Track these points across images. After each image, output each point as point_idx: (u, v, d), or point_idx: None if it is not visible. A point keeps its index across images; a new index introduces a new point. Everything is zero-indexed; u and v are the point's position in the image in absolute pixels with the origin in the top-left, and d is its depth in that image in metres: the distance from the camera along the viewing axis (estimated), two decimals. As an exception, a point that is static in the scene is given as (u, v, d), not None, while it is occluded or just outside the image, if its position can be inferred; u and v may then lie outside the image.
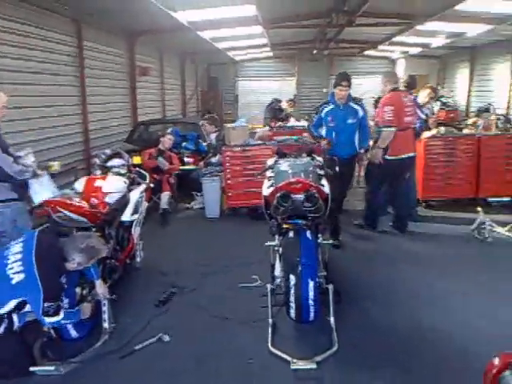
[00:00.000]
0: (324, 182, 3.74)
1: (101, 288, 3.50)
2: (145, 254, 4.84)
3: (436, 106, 12.36)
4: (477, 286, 4.14)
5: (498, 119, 7.88)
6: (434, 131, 6.77)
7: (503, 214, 6.18)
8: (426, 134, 6.50)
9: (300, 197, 3.35)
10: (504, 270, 4.49)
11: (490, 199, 6.67)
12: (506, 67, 15.42)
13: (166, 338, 3.43)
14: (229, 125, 7.45)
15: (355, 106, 5.32)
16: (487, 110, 12.63)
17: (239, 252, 5.18)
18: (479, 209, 5.57)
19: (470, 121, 8.61)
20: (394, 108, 5.24)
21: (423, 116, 6.14)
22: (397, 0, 9.75)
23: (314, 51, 17.17)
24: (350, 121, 5.26)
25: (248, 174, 6.45)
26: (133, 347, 3.31)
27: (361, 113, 5.30)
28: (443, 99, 14.21)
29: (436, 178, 6.61)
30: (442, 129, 6.99)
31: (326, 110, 5.33)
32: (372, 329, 3.48)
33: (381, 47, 16.57)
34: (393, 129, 5.25)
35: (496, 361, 2.26)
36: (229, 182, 6.63)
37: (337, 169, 4.79)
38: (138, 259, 4.76)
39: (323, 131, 5.42)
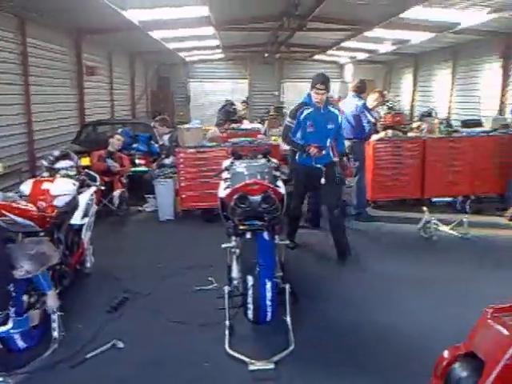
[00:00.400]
0: (280, 183, 3.78)
1: (52, 300, 3.32)
2: (96, 259, 4.68)
3: (383, 110, 12.85)
4: (427, 284, 4.31)
5: (441, 123, 8.27)
6: (381, 134, 7.02)
7: (447, 213, 6.50)
8: (374, 137, 6.73)
9: (257, 198, 3.36)
10: (451, 266, 4.72)
11: (435, 199, 7.00)
12: (447, 73, 16.24)
13: (120, 344, 3.32)
14: (183, 126, 7.36)
15: (335, 111, 4.98)
16: (430, 114, 13.27)
17: (194, 255, 5.12)
18: (425, 208, 5.83)
19: (414, 124, 8.98)
20: None
21: (372, 119, 6.36)
22: (346, 7, 10.03)
23: (266, 54, 17.33)
24: (329, 126, 4.87)
25: (202, 175, 6.41)
26: (84, 355, 3.18)
27: (339, 118, 5.01)
28: (389, 103, 14.75)
29: (384, 179, 6.85)
30: (390, 132, 7.27)
31: (305, 113, 4.81)
32: (328, 327, 3.54)
33: (330, 52, 16.99)
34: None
35: (445, 354, 2.38)
36: (182, 183, 6.55)
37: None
38: (88, 264, 4.59)
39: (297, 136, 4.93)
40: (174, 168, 6.76)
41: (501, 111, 12.60)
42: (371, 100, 6.59)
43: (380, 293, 4.15)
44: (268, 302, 3.18)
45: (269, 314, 3.21)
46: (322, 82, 4.70)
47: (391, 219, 6.43)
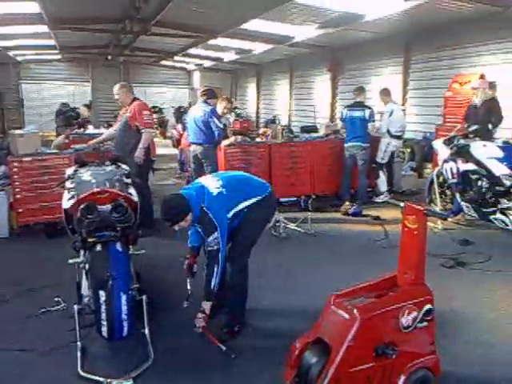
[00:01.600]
0: (132, 190, 3.62)
1: None
2: None
3: (231, 117, 13.34)
4: (275, 276, 4.57)
5: (283, 129, 8.93)
6: (231, 139, 7.27)
7: (293, 211, 7.01)
8: (224, 143, 6.93)
9: (107, 207, 3.17)
10: (298, 259, 5.10)
11: (282, 199, 7.50)
12: (285, 83, 17.61)
13: None
14: (15, 131, 6.58)
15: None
16: (274, 121, 14.25)
17: (38, 274, 4.60)
18: (274, 208, 6.21)
19: (260, 130, 9.54)
20: (150, 112, 6.01)
21: (221, 125, 6.52)
22: (190, 14, 10.16)
23: (109, 57, 16.60)
24: None
25: (42, 186, 5.82)
26: None
27: None
28: (237, 110, 15.43)
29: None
30: (239, 137, 7.57)
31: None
32: (187, 334, 3.50)
33: (177, 58, 17.02)
34: (154, 130, 5.92)
35: (297, 344, 2.54)
36: (18, 196, 5.85)
37: None
38: None
39: None
40: (7, 179, 6.00)
41: (332, 118, 14.12)
42: (221, 107, 6.78)
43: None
44: (124, 316, 3.02)
45: (125, 329, 3.05)
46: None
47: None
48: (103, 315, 3.00)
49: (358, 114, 7.24)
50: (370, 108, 7.30)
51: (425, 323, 2.48)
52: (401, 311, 2.40)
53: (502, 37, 8.71)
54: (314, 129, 10.86)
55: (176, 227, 3.20)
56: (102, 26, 11.42)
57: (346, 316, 2.36)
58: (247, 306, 3.64)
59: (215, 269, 3.19)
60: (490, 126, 6.88)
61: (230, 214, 3.25)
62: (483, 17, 8.37)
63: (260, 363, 3.09)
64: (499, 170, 5.32)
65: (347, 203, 7.05)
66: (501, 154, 5.39)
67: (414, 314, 2.43)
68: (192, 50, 14.74)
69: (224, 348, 3.13)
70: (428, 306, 2.49)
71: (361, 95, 7.44)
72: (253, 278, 3.67)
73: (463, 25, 9.17)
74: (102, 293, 3.00)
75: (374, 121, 7.29)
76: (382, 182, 7.69)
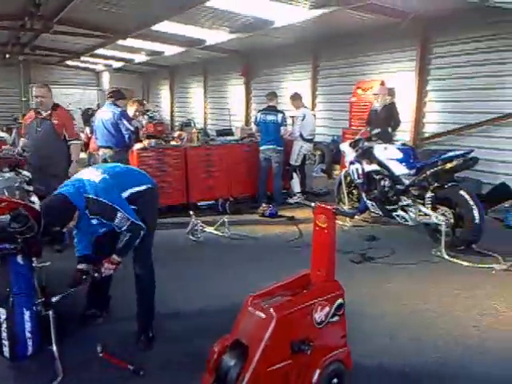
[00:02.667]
0: (34, 198, 3.37)
1: None
2: None
3: (144, 120, 12.97)
4: (195, 281, 4.52)
5: (199, 132, 8.87)
6: (145, 143, 7.08)
7: (210, 215, 6.98)
8: (137, 146, 6.73)
9: (4, 218, 2.92)
10: (217, 261, 5.09)
11: (199, 203, 7.45)
12: (199, 87, 17.55)
13: None
14: None
15: None
16: (189, 124, 14.10)
17: None
18: (191, 213, 6.14)
19: (175, 134, 9.37)
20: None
21: (131, 128, 6.30)
22: (97, 13, 9.75)
23: (7, 55, 15.38)
24: None
25: None
26: None
27: None
28: (150, 113, 15.03)
29: (151, 187, 6.89)
30: (152, 141, 7.38)
31: None
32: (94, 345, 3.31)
33: (84, 58, 16.24)
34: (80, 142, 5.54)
35: (215, 347, 2.53)
36: None
37: None
38: None
39: None
40: None
41: (247, 122, 14.33)
42: (132, 109, 6.58)
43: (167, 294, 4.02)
44: (27, 334, 2.81)
45: (30, 348, 2.84)
46: None
47: (161, 225, 6.52)
48: (4, 334, 2.77)
49: (271, 118, 7.43)
50: (282, 112, 7.53)
51: (337, 317, 2.59)
52: (314, 307, 2.48)
53: (399, 46, 9.46)
54: (229, 132, 10.93)
55: (65, 229, 3.02)
56: (-1, 22, 10.55)
57: (263, 316, 2.39)
58: (163, 311, 3.55)
59: (138, 236, 3.06)
60: (389, 130, 7.44)
61: (127, 194, 3.11)
62: (383, 27, 9.02)
63: (177, 372, 3.03)
64: (399, 170, 5.76)
65: (264, 205, 7.19)
66: (400, 155, 5.84)
67: (327, 309, 2.54)
68: (100, 51, 14.13)
69: (132, 367, 2.99)
70: (339, 301, 2.60)
71: (273, 100, 7.64)
72: (168, 283, 3.59)
73: (365, 34, 9.81)
74: (2, 310, 2.77)
75: (286, 125, 7.54)
76: (296, 184, 7.96)
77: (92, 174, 3.10)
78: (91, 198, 2.93)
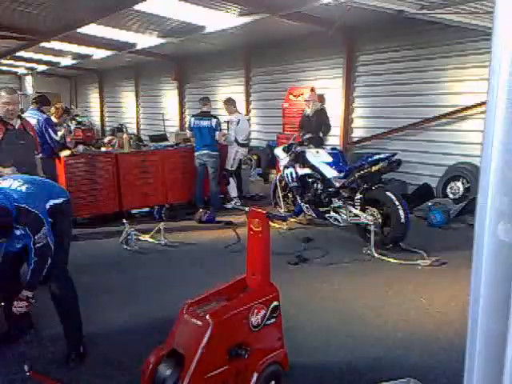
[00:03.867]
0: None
1: None
2: None
3: (72, 126, 12.44)
4: (130, 292, 4.39)
5: (131, 138, 8.65)
6: (73, 150, 6.78)
7: (145, 223, 6.81)
8: (63, 153, 6.42)
9: None
10: (152, 270, 4.98)
11: (133, 211, 7.25)
12: (131, 91, 17.14)
13: None
14: None
15: None
16: (120, 129, 13.70)
17: None
18: (125, 221, 5.96)
19: (106, 139, 9.08)
20: None
21: (54, 135, 6.00)
22: (16, 14, 9.24)
23: None
24: None
25: None
26: None
27: None
28: (78, 118, 14.43)
29: (82, 195, 6.61)
30: (81, 147, 7.09)
31: None
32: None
33: (3, 61, 15.31)
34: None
35: (151, 358, 2.47)
36: None
37: None
38: None
39: None
40: None
41: (181, 127, 14.19)
42: (55, 115, 6.30)
43: (82, 305, 3.89)
44: None
45: None
46: None
47: (93, 236, 6.28)
48: None
49: (205, 123, 7.41)
50: (216, 117, 7.53)
51: (272, 320, 2.63)
52: (250, 311, 2.51)
53: (327, 54, 9.83)
54: (163, 137, 10.76)
55: None
56: None
57: (199, 323, 2.37)
58: (94, 325, 3.41)
59: (47, 261, 2.86)
60: (321, 134, 7.69)
61: (47, 206, 2.96)
62: (312, 35, 9.32)
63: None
64: (330, 173, 5.97)
65: (201, 210, 7.14)
66: (330, 159, 6.06)
67: (263, 312, 2.57)
68: (22, 53, 13.37)
69: None
70: (275, 303, 2.65)
71: (207, 105, 7.63)
72: (100, 295, 3.45)
73: (296, 42, 10.09)
74: None
75: (220, 129, 7.54)
76: (233, 188, 7.99)
77: (13, 184, 2.91)
78: (23, 207, 2.74)
